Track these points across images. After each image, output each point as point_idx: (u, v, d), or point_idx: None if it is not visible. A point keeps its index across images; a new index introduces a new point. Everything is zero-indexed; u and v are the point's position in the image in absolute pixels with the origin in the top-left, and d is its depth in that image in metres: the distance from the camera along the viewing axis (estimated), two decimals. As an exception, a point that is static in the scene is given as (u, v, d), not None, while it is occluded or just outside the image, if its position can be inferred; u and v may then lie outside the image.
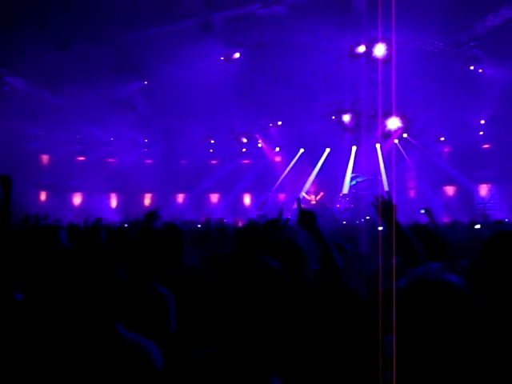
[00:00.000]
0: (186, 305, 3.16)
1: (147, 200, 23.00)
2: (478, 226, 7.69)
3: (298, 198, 3.53)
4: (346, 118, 19.18)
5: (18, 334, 2.45)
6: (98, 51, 14.04)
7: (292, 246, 2.87)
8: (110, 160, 22.22)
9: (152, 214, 4.32)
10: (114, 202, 22.93)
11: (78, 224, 8.02)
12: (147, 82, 17.38)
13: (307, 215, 2.92)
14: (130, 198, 22.24)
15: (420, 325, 1.59)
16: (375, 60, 14.95)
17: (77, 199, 22.16)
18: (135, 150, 21.89)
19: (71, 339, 1.97)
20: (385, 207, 2.77)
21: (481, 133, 18.93)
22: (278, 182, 22.50)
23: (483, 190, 19.84)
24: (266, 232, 3.49)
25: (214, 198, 23.86)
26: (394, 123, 18.46)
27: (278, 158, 23.18)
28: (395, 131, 19.00)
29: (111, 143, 21.51)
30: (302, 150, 22.14)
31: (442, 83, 15.55)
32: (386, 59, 14.72)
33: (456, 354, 1.58)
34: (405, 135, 19.85)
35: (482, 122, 18.54)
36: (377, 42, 14.76)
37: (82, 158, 21.76)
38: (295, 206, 3.37)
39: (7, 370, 2.00)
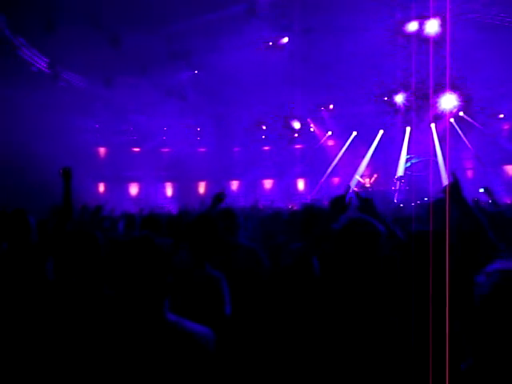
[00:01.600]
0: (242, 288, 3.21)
1: (202, 188, 23.32)
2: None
3: (349, 186, 3.53)
4: (399, 98, 18.75)
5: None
6: (148, 42, 14.25)
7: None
8: (164, 150, 22.65)
9: (219, 195, 4.74)
10: (169, 190, 23.37)
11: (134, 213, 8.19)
12: (197, 70, 17.51)
13: (367, 202, 2.99)
14: (184, 187, 22.64)
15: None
16: (428, 37, 14.50)
17: (134, 189, 22.72)
18: (188, 138, 22.21)
19: (124, 326, 2.00)
20: (453, 187, 2.79)
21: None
22: (332, 166, 22.31)
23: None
24: (332, 212, 3.48)
25: (268, 183, 23.91)
26: (449, 101, 17.89)
27: (330, 142, 22.95)
28: (450, 110, 18.42)
29: (164, 133, 21.92)
30: (354, 133, 21.83)
31: (500, 56, 14.89)
32: (440, 36, 14.25)
33: None
34: (461, 113, 19.22)
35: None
36: (429, 17, 14.30)
37: (137, 149, 22.27)
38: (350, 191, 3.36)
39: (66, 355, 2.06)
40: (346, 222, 2.52)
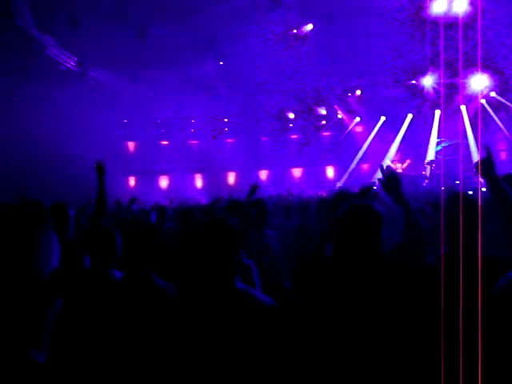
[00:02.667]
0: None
1: (231, 178, 23.36)
2: None
3: (381, 166, 3.41)
4: (427, 81, 18.40)
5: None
6: (174, 33, 14.30)
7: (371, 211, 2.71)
8: (192, 142, 22.75)
9: (254, 188, 5.16)
10: (199, 182, 23.48)
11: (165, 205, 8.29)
12: (223, 59, 17.50)
13: (391, 180, 2.83)
14: (214, 178, 22.69)
15: None
16: (456, 17, 14.16)
17: (163, 182, 22.92)
18: (216, 129, 22.24)
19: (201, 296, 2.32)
20: (485, 164, 2.68)
21: None
22: (361, 153, 22.09)
23: None
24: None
25: (297, 172, 23.82)
26: (479, 82, 17.48)
27: (359, 128, 22.73)
28: (481, 90, 18.01)
29: (192, 125, 22.03)
30: (383, 118, 21.55)
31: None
32: (470, 15, 13.88)
33: None
34: (492, 94, 18.78)
35: None
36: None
37: (165, 142, 22.43)
38: (379, 175, 3.27)
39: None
40: (345, 208, 2.53)
